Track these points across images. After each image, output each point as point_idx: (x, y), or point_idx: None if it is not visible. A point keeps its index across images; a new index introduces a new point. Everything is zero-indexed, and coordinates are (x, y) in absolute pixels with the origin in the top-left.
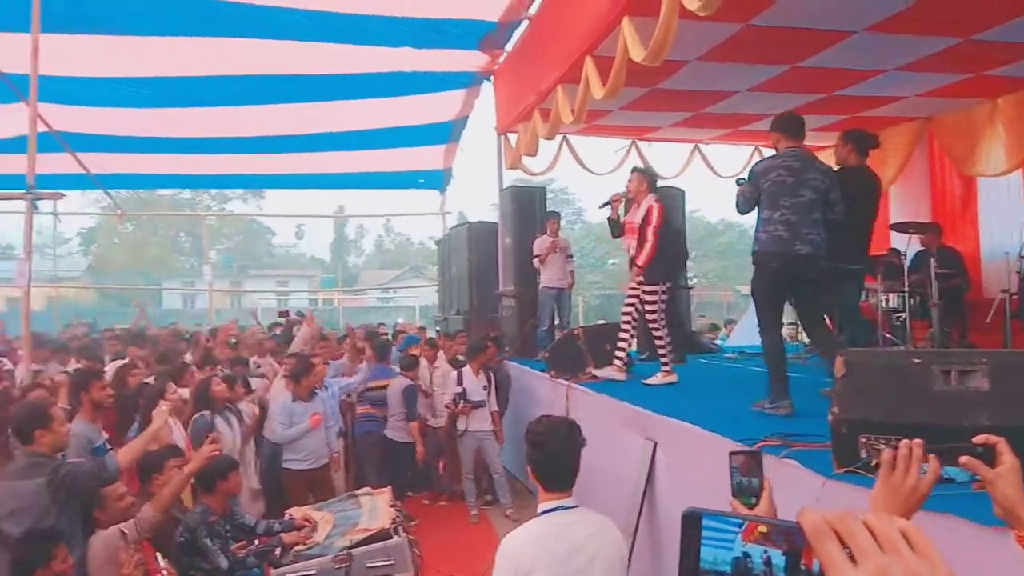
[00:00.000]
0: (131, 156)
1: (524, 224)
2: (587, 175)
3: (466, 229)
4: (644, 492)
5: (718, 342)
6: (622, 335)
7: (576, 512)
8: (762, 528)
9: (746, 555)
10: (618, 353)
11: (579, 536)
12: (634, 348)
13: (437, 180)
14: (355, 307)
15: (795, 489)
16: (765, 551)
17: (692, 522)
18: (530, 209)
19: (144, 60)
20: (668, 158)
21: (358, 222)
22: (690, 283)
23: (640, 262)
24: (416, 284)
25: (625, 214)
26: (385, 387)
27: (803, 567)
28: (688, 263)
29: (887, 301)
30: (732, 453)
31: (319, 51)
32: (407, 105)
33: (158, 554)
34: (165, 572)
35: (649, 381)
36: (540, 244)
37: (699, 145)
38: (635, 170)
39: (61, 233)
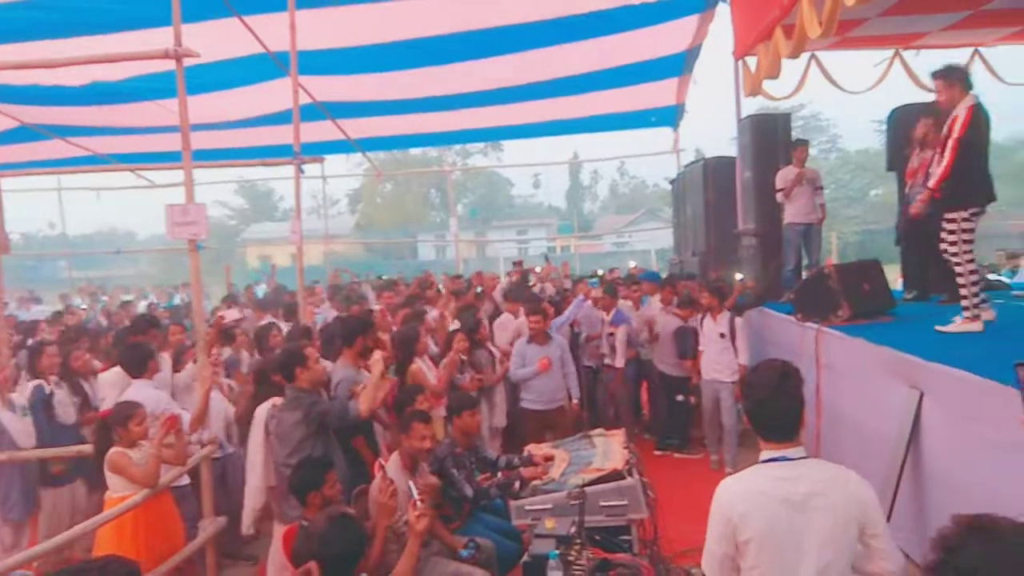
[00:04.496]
0: (383, 119)
1: (766, 156)
2: (843, 97)
3: (701, 166)
4: (907, 447)
5: (1002, 278)
6: (959, 279)
7: (801, 464)
8: None
9: None
10: (964, 302)
11: (801, 489)
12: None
13: (670, 117)
14: (591, 253)
15: None
16: None
17: None
18: (772, 139)
19: (385, 25)
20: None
21: (592, 168)
22: None
23: (931, 183)
24: (650, 227)
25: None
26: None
27: None
28: None
29: None
30: (1018, 364)
31: None
32: (637, 39)
33: (411, 483)
34: (418, 499)
35: (945, 328)
36: (784, 176)
37: (979, 49)
38: (935, 76)
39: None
